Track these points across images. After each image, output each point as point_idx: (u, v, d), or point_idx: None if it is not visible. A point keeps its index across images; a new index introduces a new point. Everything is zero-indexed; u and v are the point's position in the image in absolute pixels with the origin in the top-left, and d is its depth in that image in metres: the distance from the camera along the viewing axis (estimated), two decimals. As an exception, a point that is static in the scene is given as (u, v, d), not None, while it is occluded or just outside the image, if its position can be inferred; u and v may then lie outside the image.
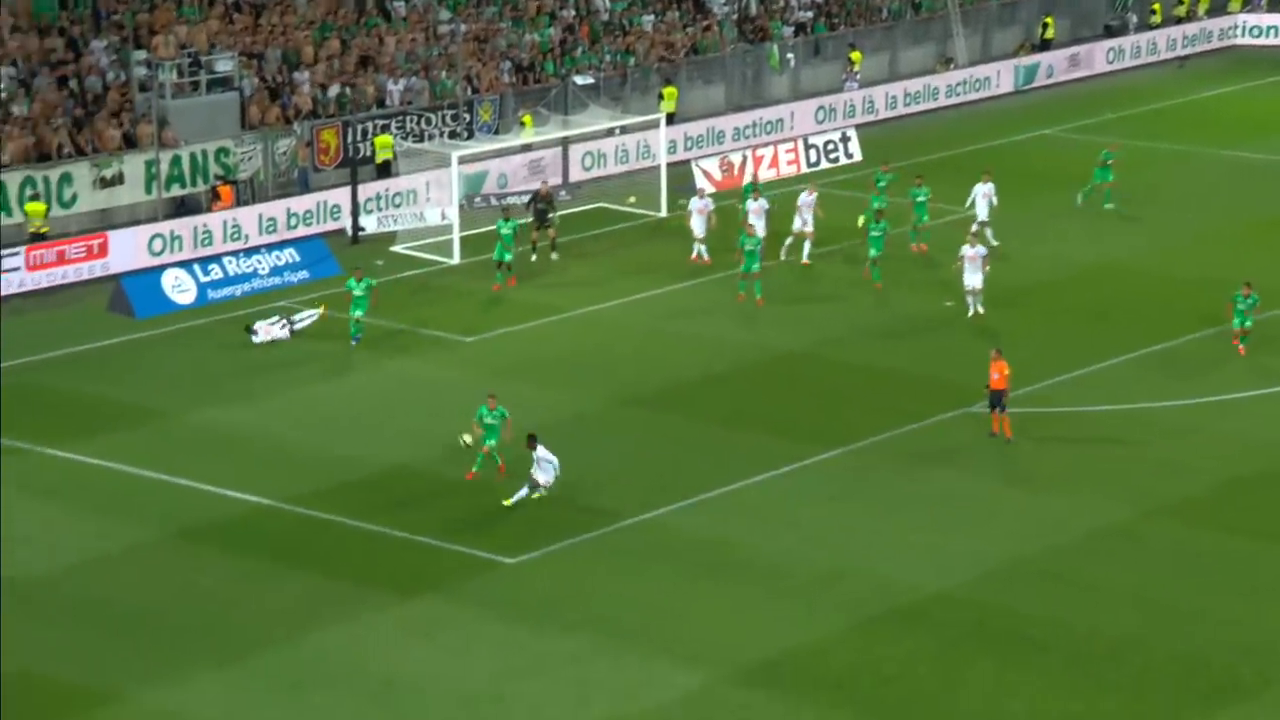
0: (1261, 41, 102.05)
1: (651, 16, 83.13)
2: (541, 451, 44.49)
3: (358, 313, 56.41)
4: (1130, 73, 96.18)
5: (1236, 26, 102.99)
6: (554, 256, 64.43)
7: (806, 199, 63.60)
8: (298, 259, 62.37)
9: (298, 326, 56.54)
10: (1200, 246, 66.97)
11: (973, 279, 58.59)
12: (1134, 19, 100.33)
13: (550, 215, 65.10)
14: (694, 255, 64.13)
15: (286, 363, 55.70)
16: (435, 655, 39.72)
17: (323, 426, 50.76)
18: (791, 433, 51.29)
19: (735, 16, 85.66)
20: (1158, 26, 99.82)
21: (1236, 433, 51.85)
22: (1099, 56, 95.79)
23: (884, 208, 64.04)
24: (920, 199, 64.79)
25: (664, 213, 69.08)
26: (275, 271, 61.66)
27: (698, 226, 63.93)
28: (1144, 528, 45.88)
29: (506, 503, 44.18)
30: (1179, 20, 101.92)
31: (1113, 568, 43.81)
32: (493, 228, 64.79)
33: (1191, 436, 51.77)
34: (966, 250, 59.37)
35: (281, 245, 63.27)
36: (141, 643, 39.53)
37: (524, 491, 44.16)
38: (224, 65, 69.71)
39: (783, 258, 63.71)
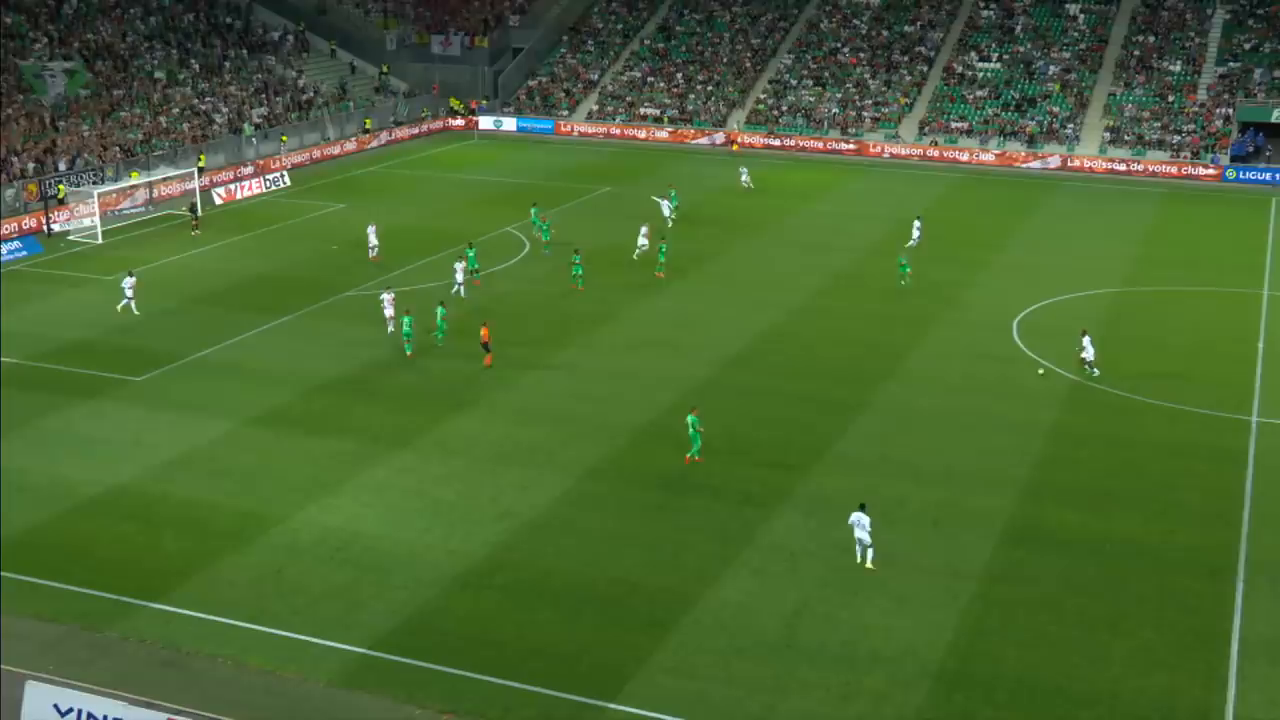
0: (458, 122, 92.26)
1: (197, 120, 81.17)
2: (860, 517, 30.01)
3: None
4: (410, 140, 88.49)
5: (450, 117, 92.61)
6: (196, 234, 62.19)
7: (387, 296, 47.65)
8: (21, 245, 60.60)
9: None
10: (446, 216, 64.93)
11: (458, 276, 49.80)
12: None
13: (197, 214, 63.72)
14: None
15: (34, 292, 53.03)
16: (106, 425, 39.01)
17: (51, 320, 48.63)
18: (262, 310, 49.80)
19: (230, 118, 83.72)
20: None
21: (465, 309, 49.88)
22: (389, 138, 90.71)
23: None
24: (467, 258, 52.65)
25: (198, 214, 65.10)
26: (11, 252, 59.82)
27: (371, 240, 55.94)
28: (369, 375, 44.22)
29: (869, 567, 30.10)
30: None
31: (398, 379, 42.93)
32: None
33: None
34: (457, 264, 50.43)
35: (13, 240, 61.10)
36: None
37: (861, 550, 30.01)
38: (-26, 152, 66.04)
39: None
